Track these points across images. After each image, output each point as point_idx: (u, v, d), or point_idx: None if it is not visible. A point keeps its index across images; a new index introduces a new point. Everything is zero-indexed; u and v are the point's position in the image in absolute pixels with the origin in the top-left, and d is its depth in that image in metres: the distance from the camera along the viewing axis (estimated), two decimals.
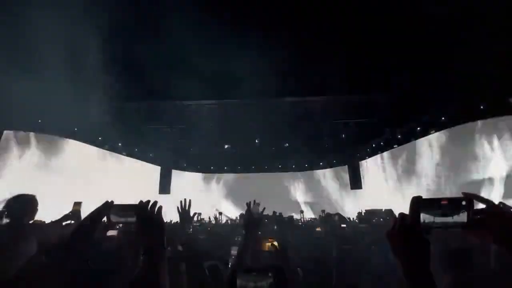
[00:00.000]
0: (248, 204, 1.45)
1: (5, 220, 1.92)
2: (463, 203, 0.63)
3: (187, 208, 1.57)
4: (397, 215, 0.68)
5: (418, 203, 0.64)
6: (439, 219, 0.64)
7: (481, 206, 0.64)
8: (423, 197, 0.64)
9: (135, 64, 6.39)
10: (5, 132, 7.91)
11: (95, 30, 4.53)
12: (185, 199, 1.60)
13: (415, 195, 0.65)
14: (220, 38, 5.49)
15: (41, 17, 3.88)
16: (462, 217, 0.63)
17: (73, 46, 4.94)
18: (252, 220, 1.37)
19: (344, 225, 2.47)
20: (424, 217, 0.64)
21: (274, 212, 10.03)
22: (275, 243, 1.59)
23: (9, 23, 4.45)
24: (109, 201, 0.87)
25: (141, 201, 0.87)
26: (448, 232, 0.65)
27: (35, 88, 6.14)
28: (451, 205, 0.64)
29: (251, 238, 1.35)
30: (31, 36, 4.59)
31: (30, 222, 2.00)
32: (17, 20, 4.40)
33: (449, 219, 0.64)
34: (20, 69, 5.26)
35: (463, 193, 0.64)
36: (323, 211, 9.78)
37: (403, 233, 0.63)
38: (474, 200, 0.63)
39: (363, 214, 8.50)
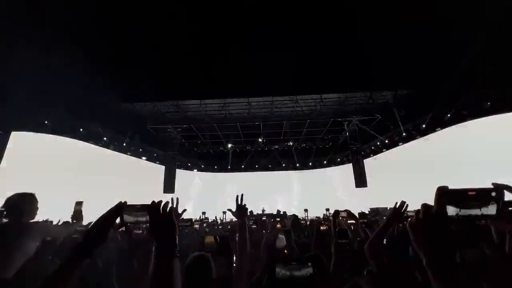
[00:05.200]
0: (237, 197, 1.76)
1: (5, 219, 1.90)
2: (493, 194, 0.59)
3: (175, 205, 1.73)
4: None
5: (443, 194, 0.61)
6: (465, 211, 0.61)
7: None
8: (449, 187, 0.61)
9: (139, 64, 6.44)
10: (12, 133, 8.01)
11: None
12: (172, 198, 1.77)
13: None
14: None
15: None
16: (491, 209, 0.60)
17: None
18: (239, 209, 1.72)
19: (353, 221, 2.44)
20: (449, 208, 0.61)
21: (278, 211, 10.01)
22: (285, 251, 1.68)
23: None
24: (122, 201, 0.89)
25: (153, 201, 0.89)
26: None
27: (41, 89, 6.20)
28: (480, 196, 0.60)
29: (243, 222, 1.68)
30: None
31: (31, 221, 1.98)
32: None
33: (476, 211, 0.60)
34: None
35: (493, 183, 0.60)
36: (327, 209, 9.72)
37: (428, 224, 0.60)
38: (505, 191, 0.59)
39: (367, 212, 8.42)
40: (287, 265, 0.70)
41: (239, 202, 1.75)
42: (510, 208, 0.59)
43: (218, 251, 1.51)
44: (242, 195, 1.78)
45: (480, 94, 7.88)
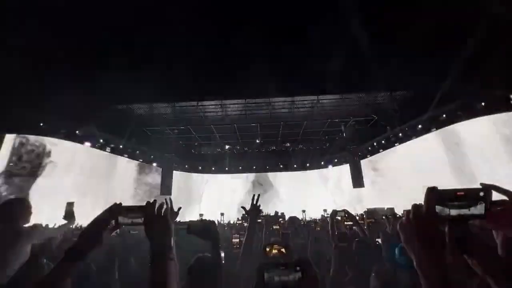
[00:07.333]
0: (253, 197, 1.77)
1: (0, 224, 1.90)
2: (481, 194, 0.60)
3: (169, 205, 1.68)
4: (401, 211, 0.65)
5: (433, 194, 0.61)
6: (454, 211, 0.62)
7: (500, 197, 0.61)
8: (438, 188, 0.61)
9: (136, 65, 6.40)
10: (7, 135, 7.91)
11: None
12: (165, 199, 1.73)
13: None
14: None
15: None
16: (479, 208, 0.60)
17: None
18: (253, 208, 1.73)
19: (350, 222, 2.43)
20: (438, 208, 0.61)
21: (276, 212, 9.97)
22: (283, 250, 1.68)
23: None
24: (117, 203, 0.87)
25: (147, 202, 0.87)
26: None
27: (37, 91, 6.14)
28: (468, 196, 0.61)
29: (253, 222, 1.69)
30: None
31: (26, 225, 1.98)
32: None
33: (465, 211, 0.61)
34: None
35: (481, 184, 0.61)
36: (325, 210, 9.73)
37: (418, 224, 0.61)
38: (492, 191, 0.60)
39: (364, 213, 8.45)
40: (276, 270, 0.70)
41: (255, 202, 1.74)
42: (497, 208, 0.60)
43: (201, 231, 1.37)
44: (258, 195, 1.79)
45: (475, 94, 8.01)
